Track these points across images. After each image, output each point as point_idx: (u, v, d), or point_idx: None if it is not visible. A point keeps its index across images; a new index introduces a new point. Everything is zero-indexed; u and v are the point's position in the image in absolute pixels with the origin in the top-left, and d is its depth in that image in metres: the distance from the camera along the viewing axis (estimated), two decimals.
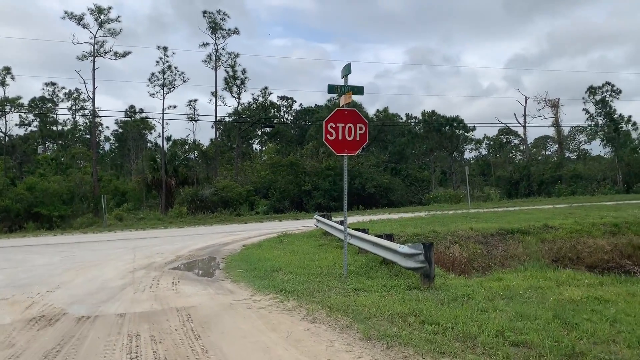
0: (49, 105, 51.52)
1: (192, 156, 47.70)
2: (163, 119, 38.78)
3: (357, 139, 9.12)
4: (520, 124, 47.38)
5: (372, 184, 36.01)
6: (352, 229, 13.35)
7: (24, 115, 48.29)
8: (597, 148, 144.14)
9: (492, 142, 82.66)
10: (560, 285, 8.41)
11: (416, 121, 52.34)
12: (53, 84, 41.38)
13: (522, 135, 49.28)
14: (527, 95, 47.68)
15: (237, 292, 8.20)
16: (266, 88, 42.87)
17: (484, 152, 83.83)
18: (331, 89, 9.11)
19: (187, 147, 49.77)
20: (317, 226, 16.68)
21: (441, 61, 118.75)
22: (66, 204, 36.49)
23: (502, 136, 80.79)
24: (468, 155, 78.21)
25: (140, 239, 19.14)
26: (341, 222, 13.94)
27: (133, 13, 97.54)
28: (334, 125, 9.02)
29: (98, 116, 40.65)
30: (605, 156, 59.50)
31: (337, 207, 35.40)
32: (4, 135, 38.38)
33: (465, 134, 45.35)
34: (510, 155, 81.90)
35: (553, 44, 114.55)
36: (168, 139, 49.19)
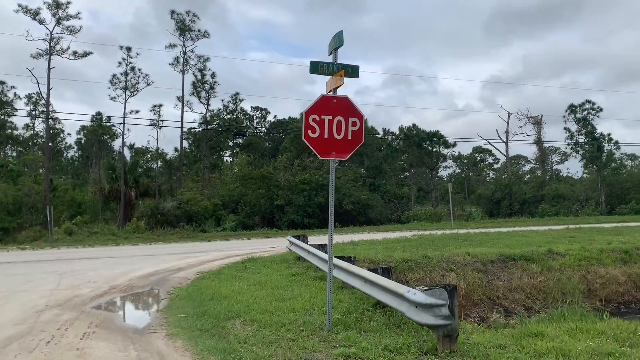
0: (7, 109, 47.81)
1: (155, 166, 44.46)
2: (124, 123, 35.68)
3: (350, 137, 6.61)
4: (502, 140, 45.86)
5: (349, 200, 33.59)
6: (335, 256, 10.82)
7: None
8: (572, 168, 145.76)
9: (465, 161, 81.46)
10: (633, 347, 6.01)
11: (393, 136, 50.40)
12: (2, 82, 37.84)
13: (503, 152, 47.71)
14: (510, 111, 46.21)
15: (169, 358, 5.52)
16: (237, 94, 40.10)
17: (457, 170, 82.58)
18: (314, 67, 6.59)
19: (149, 155, 46.46)
20: (289, 249, 14.06)
21: (419, 80, 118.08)
22: (12, 215, 32.96)
23: (477, 154, 79.76)
24: (442, 172, 76.72)
25: (79, 260, 16.16)
26: (320, 247, 11.37)
27: (114, 22, 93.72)
28: (317, 118, 6.50)
29: (52, 119, 37.36)
30: (579, 177, 58.60)
31: (311, 224, 32.84)
32: None
33: (446, 149, 43.46)
34: (484, 173, 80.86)
35: (528, 67, 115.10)
36: (130, 147, 46.01)
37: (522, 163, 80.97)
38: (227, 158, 62.58)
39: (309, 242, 13.50)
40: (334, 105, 6.56)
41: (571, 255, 15.77)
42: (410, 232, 25.66)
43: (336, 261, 9.31)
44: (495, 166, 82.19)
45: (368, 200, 35.16)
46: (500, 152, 48.24)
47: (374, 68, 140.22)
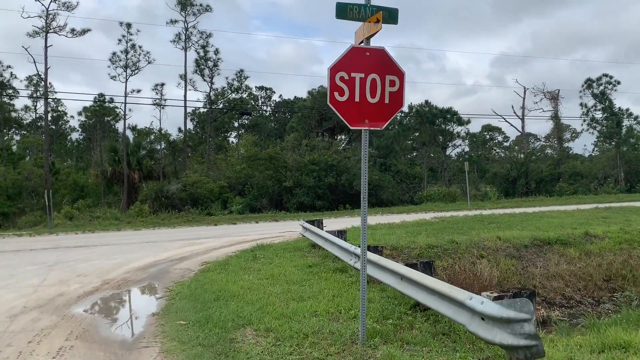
0: (8, 91, 46.38)
1: (159, 147, 43.12)
2: (125, 103, 34.27)
3: (387, 101, 5.22)
4: (517, 116, 44.11)
5: (360, 181, 32.11)
6: (354, 244, 9.50)
7: None
8: (579, 145, 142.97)
9: (475, 139, 79.56)
10: None
11: (403, 114, 48.70)
12: None
13: (519, 128, 45.92)
14: (526, 86, 44.35)
15: None
16: (242, 71, 38.40)
17: (466, 148, 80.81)
18: (342, 10, 5.16)
19: (152, 137, 45.13)
20: (303, 235, 12.75)
21: (427, 59, 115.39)
22: (12, 200, 31.90)
23: (486, 132, 77.84)
24: (450, 151, 74.92)
25: (75, 248, 14.94)
26: (339, 233, 10.06)
27: (120, 3, 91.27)
28: (345, 77, 5.10)
29: (52, 99, 36.09)
30: (588, 154, 56.63)
31: (321, 207, 31.54)
32: None
33: (459, 126, 41.78)
34: (494, 151, 78.99)
35: (537, 44, 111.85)
36: (133, 128, 44.66)
37: (532, 141, 79.13)
38: (232, 139, 61.28)
39: (324, 228, 12.21)
40: (367, 60, 5.16)
41: (610, 238, 14.42)
42: (426, 213, 24.32)
43: (372, 257, 8.00)
44: (505, 144, 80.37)
45: (379, 181, 33.73)
46: (516, 128, 46.52)
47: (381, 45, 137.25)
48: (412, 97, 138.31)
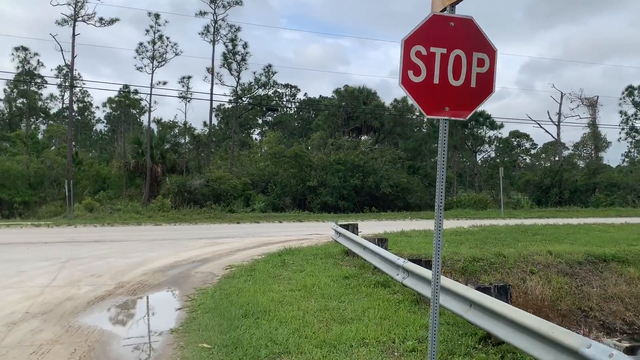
0: (37, 79, 46.22)
1: (183, 141, 42.50)
2: (151, 94, 33.67)
3: (474, 84, 4.13)
4: (553, 122, 42.32)
5: (387, 183, 30.93)
6: (399, 254, 8.47)
7: (9, 90, 43.09)
8: (610, 156, 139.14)
9: (501, 145, 77.55)
10: None
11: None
12: (25, 48, 36.14)
13: (556, 135, 44.05)
14: (563, 91, 42.51)
15: None
16: (269, 66, 37.51)
17: (492, 154, 78.86)
18: None
19: (177, 130, 44.52)
20: (336, 240, 11.69)
21: None
22: (33, 189, 31.51)
23: (513, 139, 75.78)
24: (477, 156, 73.12)
25: (91, 243, 14.16)
26: (380, 242, 8.99)
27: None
28: (423, 52, 4.03)
29: (77, 87, 35.69)
30: (616, 165, 54.20)
31: (346, 208, 30.47)
32: None
33: (491, 130, 40.28)
34: (520, 158, 76.81)
35: (568, 51, 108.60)
36: (158, 121, 44.08)
37: (561, 149, 76.73)
38: (255, 136, 60.60)
39: (359, 233, 11.15)
40: (450, 32, 4.08)
41: None
42: (458, 220, 23.08)
43: (412, 266, 6.93)
44: (532, 151, 78.25)
45: (407, 184, 32.50)
46: (551, 135, 44.68)
47: None
48: None
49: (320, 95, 58.61)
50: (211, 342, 5.11)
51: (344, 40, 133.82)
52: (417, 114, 47.14)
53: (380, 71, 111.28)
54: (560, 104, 41.82)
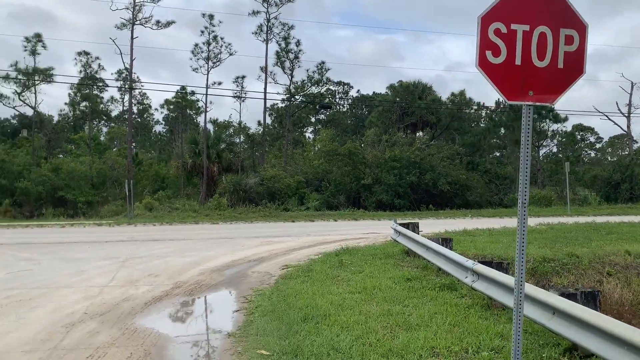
0: (98, 83, 48.03)
1: (238, 141, 43.01)
2: (207, 94, 34.21)
3: (561, 65, 3.63)
4: (622, 114, 39.87)
5: (445, 180, 30.01)
6: (466, 255, 7.95)
7: (72, 94, 45.06)
8: None
9: (564, 139, 74.07)
10: None
11: (489, 110, 45.60)
12: (86, 53, 37.63)
13: (626, 128, 41.54)
14: (633, 81, 39.91)
15: None
16: (323, 63, 37.30)
17: (554, 149, 75.47)
18: None
19: (231, 130, 45.07)
20: (395, 239, 11.25)
21: None
22: (96, 189, 32.69)
23: (577, 132, 72.17)
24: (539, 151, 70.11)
25: (150, 242, 14.34)
26: (444, 242, 8.50)
27: (208, 2, 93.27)
28: (503, 30, 3.57)
29: (136, 89, 36.73)
30: None
31: (402, 206, 29.82)
32: (33, 110, 34.89)
33: (555, 124, 38.43)
34: (583, 153, 73.10)
35: (636, 38, 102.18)
36: (213, 121, 44.79)
37: (627, 143, 72.51)
38: (308, 135, 60.64)
39: (421, 233, 10.67)
40: (533, 5, 3.59)
41: None
42: (539, 221, 21.99)
43: (482, 268, 6.42)
44: (597, 145, 74.36)
45: (466, 181, 31.42)
46: (621, 127, 42.15)
47: (464, 43, 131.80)
48: (495, 94, 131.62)
49: (374, 92, 57.96)
50: (270, 348, 4.83)
51: (397, 35, 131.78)
52: (475, 107, 45.69)
53: (436, 65, 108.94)
54: (631, 94, 39.38)
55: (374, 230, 17.52)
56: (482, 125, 44.25)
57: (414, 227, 10.66)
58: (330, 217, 24.97)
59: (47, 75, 33.81)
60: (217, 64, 33.88)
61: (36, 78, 33.57)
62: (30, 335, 5.45)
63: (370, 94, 58.88)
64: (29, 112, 36.69)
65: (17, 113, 42.66)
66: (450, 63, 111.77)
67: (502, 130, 43.68)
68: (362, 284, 7.70)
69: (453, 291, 7.24)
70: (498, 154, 47.89)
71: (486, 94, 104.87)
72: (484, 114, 45.96)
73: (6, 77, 33.75)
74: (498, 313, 6.11)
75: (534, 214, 25.09)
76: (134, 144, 44.33)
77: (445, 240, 8.75)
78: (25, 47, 33.82)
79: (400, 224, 10.86)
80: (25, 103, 34.65)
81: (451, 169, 31.56)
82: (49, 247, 13.24)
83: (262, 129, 39.14)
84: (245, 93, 38.41)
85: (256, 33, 34.61)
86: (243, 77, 38.29)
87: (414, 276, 8.21)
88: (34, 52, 33.24)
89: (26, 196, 28.91)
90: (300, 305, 6.40)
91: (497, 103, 44.38)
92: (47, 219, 26.41)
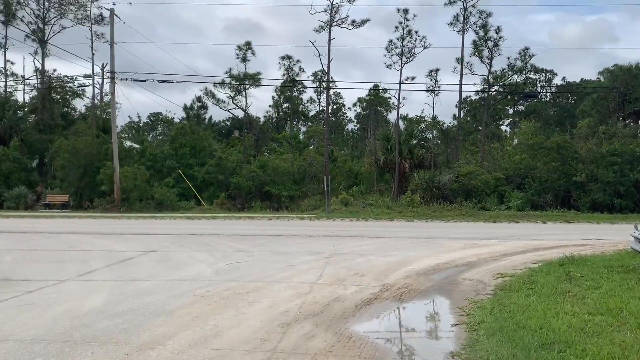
0: (298, 85, 51.31)
1: (430, 136, 41.92)
2: (400, 90, 33.90)
3: None
4: None
5: None
6: None
7: (276, 97, 48.99)
8: None
9: None
10: None
11: None
12: (289, 57, 40.15)
13: None
14: None
15: None
16: (527, 49, 34.17)
17: None
18: None
19: (424, 125, 44.08)
20: (634, 249, 9.39)
21: None
22: (297, 184, 34.76)
23: None
24: None
25: (350, 238, 14.40)
26: None
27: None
28: None
29: (331, 88, 37.99)
30: None
31: (623, 207, 25.87)
32: (244, 113, 38.48)
33: None
34: None
35: None
36: (404, 117, 44.37)
37: None
38: (505, 128, 56.66)
39: None
40: None
41: None
42: None
43: None
44: None
45: None
46: None
47: None
48: None
49: (582, 79, 51.77)
50: None
51: (609, 14, 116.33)
52: None
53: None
54: None
55: (595, 235, 15.26)
56: None
57: None
58: (536, 218, 22.68)
59: (255, 80, 37.01)
60: (411, 58, 33.30)
61: (246, 83, 36.95)
62: (249, 333, 5.48)
63: (578, 80, 52.79)
64: (240, 114, 40.57)
65: (230, 116, 47.70)
66: None
67: None
68: (604, 304, 6.40)
69: None
70: None
71: None
72: None
73: (222, 83, 37.88)
74: None
75: None
76: (329, 142, 46.25)
77: None
78: (237, 54, 37.39)
79: None
80: (237, 106, 38.39)
81: None
82: (260, 239, 14.12)
83: (456, 123, 37.48)
84: (439, 87, 37.18)
85: (451, 24, 33.18)
86: (437, 70, 37.06)
87: None
88: (244, 59, 36.60)
89: (238, 190, 32.03)
90: (532, 326, 5.45)
91: None
92: (256, 211, 28.85)
